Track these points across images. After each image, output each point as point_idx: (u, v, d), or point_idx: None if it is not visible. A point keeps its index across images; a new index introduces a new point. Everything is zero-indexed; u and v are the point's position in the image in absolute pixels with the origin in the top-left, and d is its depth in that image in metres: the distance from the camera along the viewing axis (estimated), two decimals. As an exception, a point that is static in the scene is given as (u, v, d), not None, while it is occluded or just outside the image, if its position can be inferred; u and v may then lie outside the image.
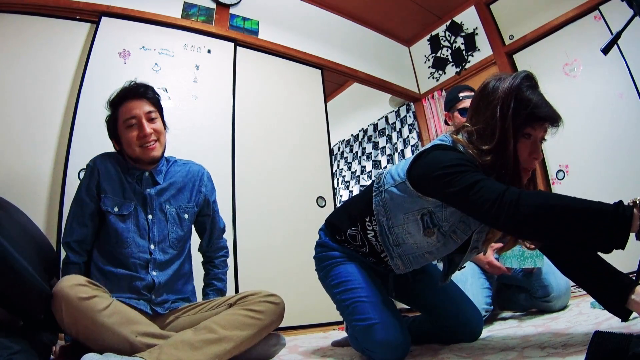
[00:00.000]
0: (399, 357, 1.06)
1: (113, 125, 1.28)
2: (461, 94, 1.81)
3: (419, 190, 1.02)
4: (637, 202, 0.74)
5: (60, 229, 1.67)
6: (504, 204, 0.82)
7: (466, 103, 1.76)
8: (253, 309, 1.10)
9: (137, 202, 1.24)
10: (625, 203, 0.74)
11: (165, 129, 1.33)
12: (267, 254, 2.17)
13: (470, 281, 1.56)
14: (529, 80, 0.96)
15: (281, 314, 1.16)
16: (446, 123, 1.94)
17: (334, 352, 1.35)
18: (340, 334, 1.71)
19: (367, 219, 1.15)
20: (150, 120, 1.26)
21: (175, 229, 1.28)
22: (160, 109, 1.33)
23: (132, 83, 1.30)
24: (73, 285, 0.92)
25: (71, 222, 1.21)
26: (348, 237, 1.20)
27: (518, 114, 0.92)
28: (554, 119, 0.93)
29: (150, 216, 1.25)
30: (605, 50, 1.26)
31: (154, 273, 1.19)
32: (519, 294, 1.65)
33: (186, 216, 1.32)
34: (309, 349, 1.46)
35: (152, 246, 1.22)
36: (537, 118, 0.92)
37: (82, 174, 1.77)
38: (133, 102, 1.25)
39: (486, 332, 1.32)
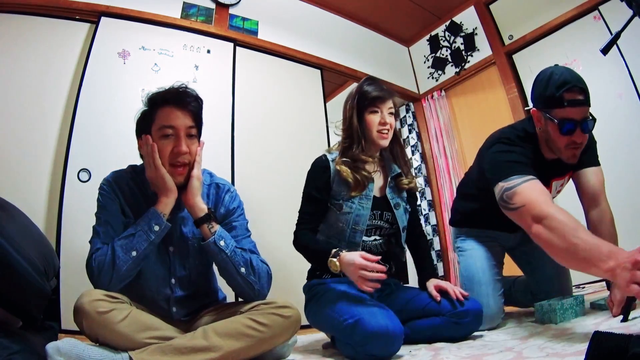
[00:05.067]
0: (394, 348, 1.06)
1: (145, 126, 1.13)
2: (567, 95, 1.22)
3: None
4: None
5: (60, 229, 1.67)
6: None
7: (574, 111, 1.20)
8: (257, 320, 1.02)
9: None
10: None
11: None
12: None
13: (485, 283, 1.44)
14: (368, 80, 1.44)
15: (290, 327, 1.07)
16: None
17: (333, 352, 1.35)
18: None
19: None
20: (189, 136, 1.13)
21: (197, 264, 1.18)
22: (199, 124, 1.19)
23: (181, 86, 1.18)
24: (92, 300, 0.94)
25: (101, 238, 1.06)
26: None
27: (360, 101, 1.39)
28: (382, 97, 1.37)
29: (171, 248, 1.15)
30: (605, 51, 1.26)
31: (174, 309, 1.15)
32: (520, 291, 1.64)
33: None
34: (309, 349, 1.46)
35: (172, 280, 1.14)
36: (372, 98, 1.37)
37: (81, 174, 1.77)
38: (175, 110, 1.12)
39: (486, 332, 1.32)
